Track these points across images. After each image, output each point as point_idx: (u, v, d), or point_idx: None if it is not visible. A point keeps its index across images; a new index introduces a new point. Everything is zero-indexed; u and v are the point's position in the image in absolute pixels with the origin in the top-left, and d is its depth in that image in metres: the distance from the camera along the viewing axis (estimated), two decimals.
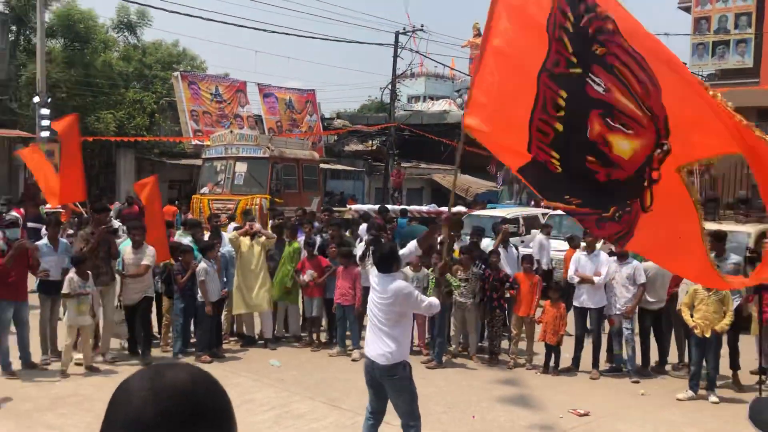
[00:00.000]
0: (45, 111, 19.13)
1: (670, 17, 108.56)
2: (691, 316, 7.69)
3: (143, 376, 1.17)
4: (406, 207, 17.87)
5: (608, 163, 4.33)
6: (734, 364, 8.11)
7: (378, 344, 5.17)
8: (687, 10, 27.89)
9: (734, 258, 8.33)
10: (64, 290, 7.95)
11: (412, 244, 5.58)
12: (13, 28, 23.64)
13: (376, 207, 17.31)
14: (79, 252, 8.30)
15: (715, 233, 8.55)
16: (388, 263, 5.28)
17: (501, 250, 9.88)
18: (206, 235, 9.89)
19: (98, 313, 8.50)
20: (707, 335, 7.55)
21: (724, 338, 7.93)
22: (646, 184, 4.21)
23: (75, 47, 24.67)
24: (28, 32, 24.06)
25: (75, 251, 8.47)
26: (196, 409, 1.14)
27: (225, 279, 9.25)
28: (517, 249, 10.84)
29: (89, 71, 24.28)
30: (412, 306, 5.25)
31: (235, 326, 9.95)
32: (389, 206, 17.37)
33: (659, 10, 73.67)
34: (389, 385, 5.22)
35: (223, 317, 9.57)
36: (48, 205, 11.80)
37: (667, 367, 8.88)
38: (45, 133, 19.19)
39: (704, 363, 7.70)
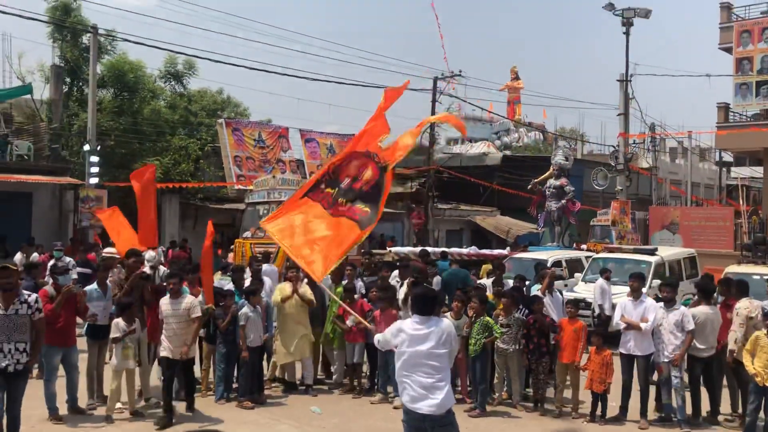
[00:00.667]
0: (94, 158, 19.78)
1: (711, 58, 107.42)
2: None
3: None
4: (447, 249, 17.81)
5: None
6: None
7: (429, 396, 5.05)
8: (728, 50, 27.67)
9: None
10: (113, 334, 8.11)
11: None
12: (67, 79, 24.64)
13: (417, 249, 17.30)
14: (114, 297, 8.53)
15: None
16: (431, 305, 5.32)
17: (546, 294, 9.76)
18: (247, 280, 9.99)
19: (144, 359, 8.62)
20: (767, 384, 7.28)
21: None
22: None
23: (124, 97, 25.57)
24: (80, 83, 25.05)
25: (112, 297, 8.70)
26: None
27: (266, 324, 9.30)
28: (561, 293, 10.69)
29: (137, 119, 25.10)
30: (456, 348, 5.27)
31: (277, 372, 9.96)
32: (430, 249, 17.34)
33: (700, 51, 73.18)
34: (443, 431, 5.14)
35: (264, 362, 9.61)
36: (106, 249, 12.29)
37: (720, 418, 8.57)
38: (94, 180, 19.82)
39: (762, 414, 7.41)
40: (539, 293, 9.67)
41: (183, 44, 45.93)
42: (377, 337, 5.75)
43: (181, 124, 27.17)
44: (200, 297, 8.74)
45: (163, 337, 8.13)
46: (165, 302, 8.23)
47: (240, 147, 24.74)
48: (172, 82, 28.55)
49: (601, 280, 12.14)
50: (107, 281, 9.13)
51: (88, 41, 22.12)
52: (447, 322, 5.32)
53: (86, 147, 20.00)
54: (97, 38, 21.39)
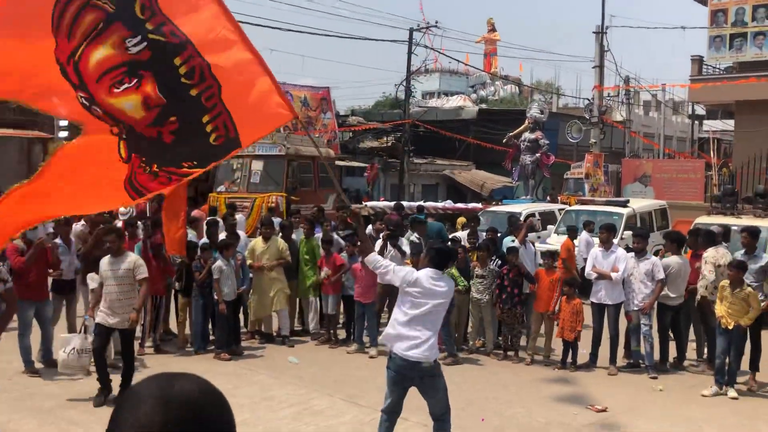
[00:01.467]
0: None
1: (686, 10, 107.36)
2: None
3: (153, 384, 1.21)
4: (423, 204, 17.87)
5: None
6: (754, 365, 8.01)
7: (422, 345, 5.12)
8: (703, 2, 27.60)
9: (765, 258, 8.25)
10: (91, 286, 8.05)
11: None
12: None
13: (392, 204, 17.33)
14: (78, 251, 8.43)
15: (749, 229, 8.51)
16: (446, 260, 5.54)
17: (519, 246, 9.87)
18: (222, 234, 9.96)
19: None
20: (730, 327, 7.53)
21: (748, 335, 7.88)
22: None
23: None
24: None
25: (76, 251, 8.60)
26: (202, 421, 1.18)
27: (242, 277, 9.32)
28: (534, 245, 10.81)
29: None
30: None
31: (253, 324, 10.02)
32: (405, 203, 17.38)
33: (675, 3, 72.89)
34: (430, 384, 5.22)
35: (241, 315, 9.66)
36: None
37: (686, 363, 8.84)
38: (63, 134, 19.39)
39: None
40: (516, 244, 9.79)
41: None
42: (372, 257, 5.49)
43: None
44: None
45: (102, 302, 7.10)
46: (104, 262, 7.16)
47: None
48: None
49: (585, 233, 12.29)
50: (70, 235, 9.02)
51: None
52: (452, 282, 5.52)
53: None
54: None
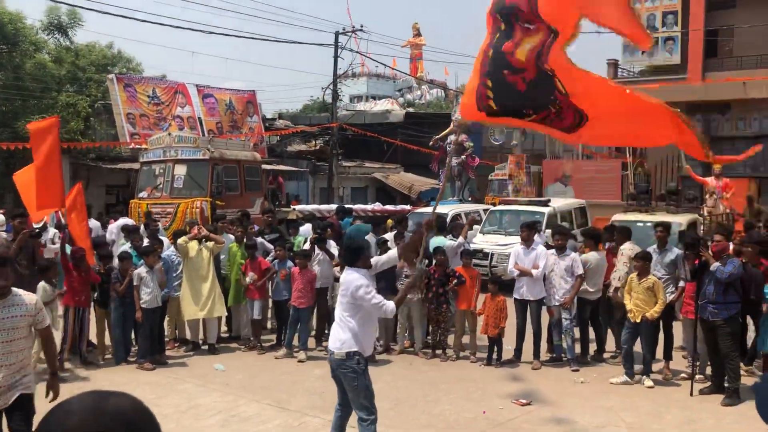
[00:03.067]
0: None
1: None
2: None
3: (86, 398, 1.21)
4: (352, 206, 17.89)
5: (517, 71, 5.16)
6: (667, 354, 8.39)
7: (335, 334, 5.36)
8: None
9: (675, 252, 8.63)
10: (42, 298, 7.69)
11: (393, 253, 5.91)
12: None
13: (321, 207, 17.28)
14: None
15: (664, 224, 8.96)
16: (353, 256, 5.44)
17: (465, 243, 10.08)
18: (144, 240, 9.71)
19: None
20: (638, 320, 7.87)
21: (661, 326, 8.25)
22: (550, 74, 5.08)
23: (2, 50, 23.78)
24: None
25: None
26: None
27: (168, 283, 9.09)
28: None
29: (19, 74, 23.44)
30: (363, 300, 5.26)
31: (177, 332, 9.79)
32: (333, 206, 17.37)
33: None
34: (343, 377, 5.28)
35: (165, 323, 9.42)
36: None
37: (606, 356, 9.17)
38: None
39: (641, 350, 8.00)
40: (461, 239, 9.95)
41: None
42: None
43: (69, 80, 25.58)
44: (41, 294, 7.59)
45: None
46: None
47: (133, 104, 23.64)
48: (57, 35, 26.76)
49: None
50: None
51: None
52: (353, 275, 5.34)
53: None
54: None
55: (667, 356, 8.37)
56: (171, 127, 22.18)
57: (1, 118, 22.36)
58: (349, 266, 5.44)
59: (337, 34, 27.90)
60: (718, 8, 26.71)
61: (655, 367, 8.28)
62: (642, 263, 8.00)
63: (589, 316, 9.07)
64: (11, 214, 9.20)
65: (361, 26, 28.64)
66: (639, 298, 7.92)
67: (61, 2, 22.03)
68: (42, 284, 7.97)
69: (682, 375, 8.17)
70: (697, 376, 7.80)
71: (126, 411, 1.20)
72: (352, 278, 5.32)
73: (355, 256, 5.43)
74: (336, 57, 27.68)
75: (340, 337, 5.29)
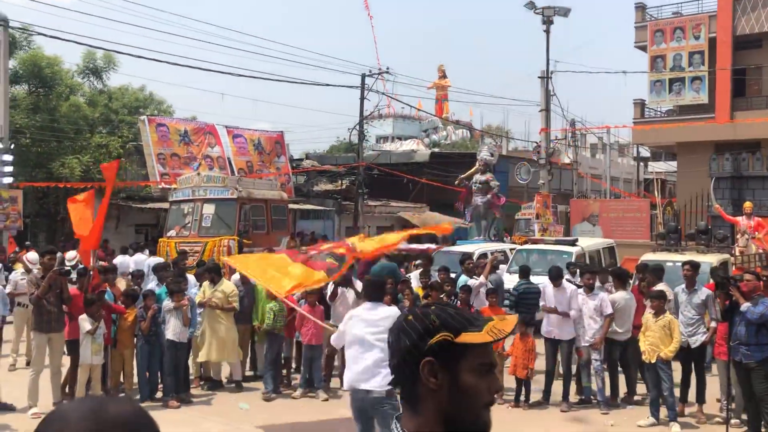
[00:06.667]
0: (7, 157, 18.89)
1: (627, 56, 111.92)
2: None
3: (85, 406, 1.17)
4: None
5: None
6: (700, 397, 8.17)
7: (374, 374, 5.24)
8: (643, 48, 28.83)
9: (705, 292, 8.46)
10: (84, 329, 8.12)
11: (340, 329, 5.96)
12: None
13: None
14: (31, 296, 8.27)
15: (692, 263, 8.77)
16: (379, 291, 5.60)
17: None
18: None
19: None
20: (653, 361, 7.71)
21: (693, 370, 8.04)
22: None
23: (40, 93, 24.54)
24: None
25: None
26: None
27: (192, 320, 9.11)
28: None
29: (54, 116, 24.13)
30: None
31: (202, 370, 9.79)
32: None
33: (616, 49, 76.11)
34: (382, 414, 5.21)
35: (190, 361, 9.43)
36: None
37: (637, 398, 8.95)
38: (7, 180, 18.91)
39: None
40: (482, 278, 9.90)
41: (102, 38, 44.30)
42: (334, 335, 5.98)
43: (102, 121, 26.26)
44: None
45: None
46: None
47: (164, 144, 24.09)
48: (91, 78, 27.57)
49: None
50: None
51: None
52: (393, 308, 5.52)
53: None
54: (9, 32, 20.43)
55: (700, 399, 8.14)
56: (201, 167, 22.54)
57: (37, 159, 22.93)
58: (378, 300, 5.45)
59: (363, 76, 28.31)
60: (745, 47, 26.65)
61: (689, 410, 8.06)
62: (657, 302, 7.87)
63: (618, 357, 8.89)
64: (41, 252, 9.39)
65: (387, 68, 29.06)
66: (654, 337, 7.77)
67: (98, 47, 22.74)
68: (84, 316, 8.20)
69: (717, 420, 7.93)
70: (732, 421, 7.57)
71: (127, 416, 1.17)
72: (391, 313, 5.38)
73: (380, 291, 5.48)
74: (362, 98, 28.04)
75: (383, 376, 5.18)
